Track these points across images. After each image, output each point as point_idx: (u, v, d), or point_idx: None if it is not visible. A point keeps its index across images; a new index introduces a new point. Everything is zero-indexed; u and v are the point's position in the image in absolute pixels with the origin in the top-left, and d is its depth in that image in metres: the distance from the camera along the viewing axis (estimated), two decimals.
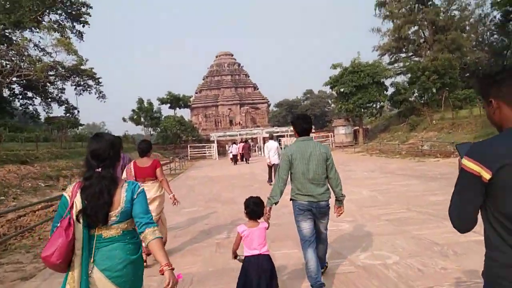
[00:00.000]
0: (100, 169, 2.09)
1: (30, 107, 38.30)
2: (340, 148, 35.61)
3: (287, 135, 39.94)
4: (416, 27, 39.49)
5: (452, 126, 24.60)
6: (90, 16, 34.68)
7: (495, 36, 42.87)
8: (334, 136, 40.19)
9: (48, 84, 37.24)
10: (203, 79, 63.77)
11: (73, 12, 33.31)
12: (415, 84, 33.79)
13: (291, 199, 3.71)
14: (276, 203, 3.62)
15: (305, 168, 3.55)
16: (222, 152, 39.09)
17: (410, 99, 34.75)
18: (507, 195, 1.35)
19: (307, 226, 3.60)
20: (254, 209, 3.22)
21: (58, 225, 2.02)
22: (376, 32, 42.18)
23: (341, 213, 3.83)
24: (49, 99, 38.02)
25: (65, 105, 39.01)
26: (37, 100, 37.81)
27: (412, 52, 40.70)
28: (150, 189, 4.86)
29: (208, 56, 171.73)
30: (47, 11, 31.22)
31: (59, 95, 38.50)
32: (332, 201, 3.70)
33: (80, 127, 43.73)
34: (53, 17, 33.71)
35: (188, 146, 38.36)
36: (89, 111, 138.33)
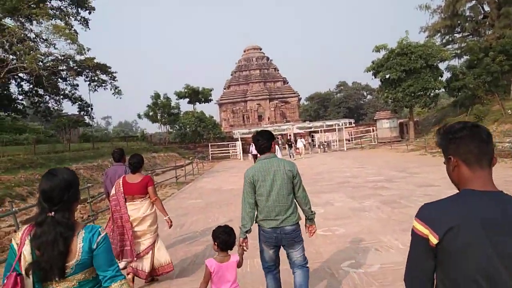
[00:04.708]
0: (53, 213, 1.73)
1: (42, 105, 35.81)
2: (385, 145, 30.44)
3: (321, 130, 35.41)
4: (474, 1, 33.47)
5: None
6: None
7: None
8: (376, 130, 35.08)
9: (60, 80, 34.60)
10: (231, 74, 60.93)
11: None
12: (476, 67, 28.06)
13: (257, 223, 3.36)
14: (248, 232, 3.22)
15: (268, 189, 3.21)
16: (248, 150, 35.36)
17: (470, 85, 29.04)
18: (453, 261, 1.28)
19: (268, 253, 3.32)
20: (226, 239, 2.90)
21: (5, 281, 1.72)
22: (424, 10, 36.46)
23: (314, 232, 3.48)
24: (61, 96, 35.30)
25: (79, 102, 36.26)
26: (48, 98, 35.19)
27: (469, 31, 34.66)
28: (139, 207, 4.52)
29: (236, 51, 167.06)
30: None
31: (72, 91, 35.78)
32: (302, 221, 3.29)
33: (88, 127, 40.99)
34: (55, 3, 30.76)
35: (210, 145, 34.45)
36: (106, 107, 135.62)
